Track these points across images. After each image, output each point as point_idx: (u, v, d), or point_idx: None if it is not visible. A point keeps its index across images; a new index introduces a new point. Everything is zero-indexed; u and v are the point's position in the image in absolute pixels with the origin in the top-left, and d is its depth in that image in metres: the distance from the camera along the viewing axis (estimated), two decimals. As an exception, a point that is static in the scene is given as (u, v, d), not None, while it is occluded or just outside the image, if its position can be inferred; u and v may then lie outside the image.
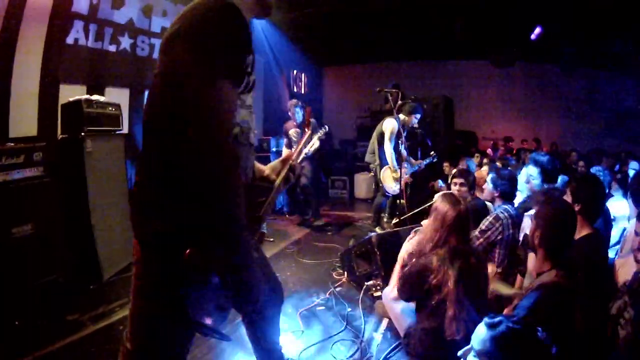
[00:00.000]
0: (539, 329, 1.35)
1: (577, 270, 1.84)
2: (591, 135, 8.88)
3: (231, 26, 1.08)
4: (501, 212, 2.96)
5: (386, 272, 3.01)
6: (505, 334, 1.32)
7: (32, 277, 2.87)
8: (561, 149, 8.49)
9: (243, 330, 1.82)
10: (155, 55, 4.62)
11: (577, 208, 2.19)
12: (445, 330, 1.89)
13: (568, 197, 2.36)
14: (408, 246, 2.61)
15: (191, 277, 1.07)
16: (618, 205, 3.23)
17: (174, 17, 1.15)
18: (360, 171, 7.77)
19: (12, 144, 2.93)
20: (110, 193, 3.41)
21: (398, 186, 4.61)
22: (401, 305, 2.39)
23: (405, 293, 2.14)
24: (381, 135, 4.87)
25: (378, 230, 4.74)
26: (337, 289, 3.40)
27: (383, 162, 4.88)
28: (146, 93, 2.52)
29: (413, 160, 5.13)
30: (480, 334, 1.38)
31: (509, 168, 4.16)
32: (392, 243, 3.13)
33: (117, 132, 3.67)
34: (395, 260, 2.68)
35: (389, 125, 4.78)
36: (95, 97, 3.49)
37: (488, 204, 3.45)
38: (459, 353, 1.46)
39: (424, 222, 2.76)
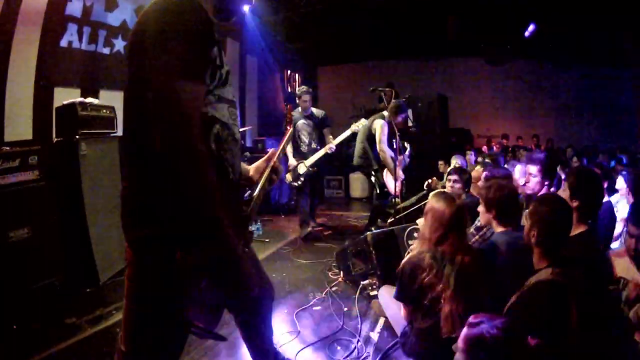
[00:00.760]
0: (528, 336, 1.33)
1: (574, 268, 1.84)
2: (586, 131, 8.96)
3: (187, 18, 1.05)
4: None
5: (382, 271, 3.02)
6: (478, 338, 1.29)
7: (29, 280, 2.88)
8: (557, 145, 8.56)
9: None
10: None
11: (574, 204, 2.11)
12: (441, 328, 1.90)
13: (565, 193, 2.26)
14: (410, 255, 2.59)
15: (183, 279, 1.08)
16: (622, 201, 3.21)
17: None
18: (355, 171, 7.73)
19: (7, 148, 2.93)
20: (106, 195, 3.41)
21: (398, 184, 4.59)
22: (397, 304, 2.40)
23: (398, 292, 2.15)
24: (371, 137, 4.75)
25: (373, 229, 4.73)
26: (333, 288, 3.42)
27: (381, 165, 4.77)
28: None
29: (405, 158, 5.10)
30: (463, 331, 1.39)
31: (504, 165, 4.17)
32: (388, 242, 3.14)
33: (112, 134, 3.66)
34: (391, 259, 2.68)
35: (378, 125, 4.67)
36: (89, 99, 3.49)
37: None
38: (453, 346, 1.48)
39: (419, 221, 2.76)
